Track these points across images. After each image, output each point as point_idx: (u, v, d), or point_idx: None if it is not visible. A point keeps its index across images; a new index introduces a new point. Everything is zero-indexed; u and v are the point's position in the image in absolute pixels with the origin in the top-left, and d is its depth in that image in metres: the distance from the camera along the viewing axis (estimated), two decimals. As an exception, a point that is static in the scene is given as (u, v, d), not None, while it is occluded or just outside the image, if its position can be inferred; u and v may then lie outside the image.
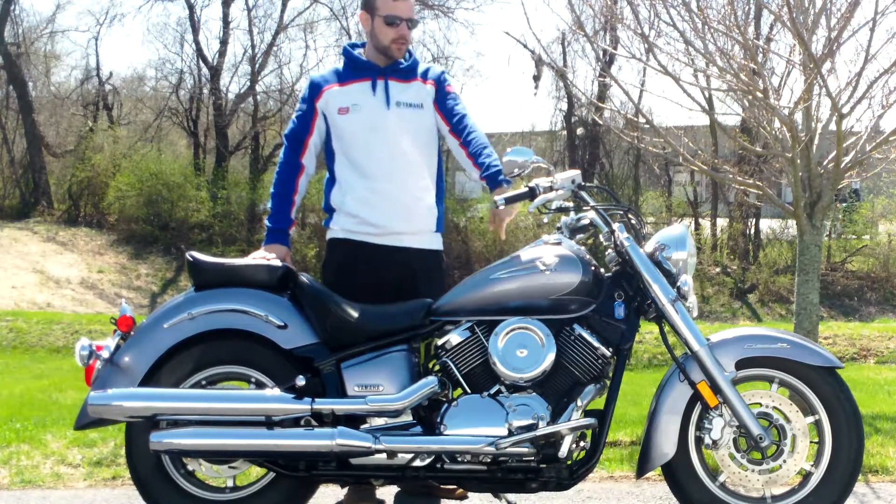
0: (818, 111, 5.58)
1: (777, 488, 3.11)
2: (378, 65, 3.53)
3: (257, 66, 21.30)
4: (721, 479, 3.09)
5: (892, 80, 5.16)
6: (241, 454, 3.09)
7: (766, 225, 19.33)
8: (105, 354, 3.11)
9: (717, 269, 18.15)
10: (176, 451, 3.06)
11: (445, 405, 3.06)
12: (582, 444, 3.07)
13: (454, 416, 3.03)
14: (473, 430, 3.01)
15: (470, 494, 3.55)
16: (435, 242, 3.62)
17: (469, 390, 3.07)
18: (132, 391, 3.05)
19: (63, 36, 31.08)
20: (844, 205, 18.75)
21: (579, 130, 20.06)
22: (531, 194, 3.17)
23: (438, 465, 3.05)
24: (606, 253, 3.19)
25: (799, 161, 5.30)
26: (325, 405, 3.04)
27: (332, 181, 3.59)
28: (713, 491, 3.06)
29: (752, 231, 19.29)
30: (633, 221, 3.19)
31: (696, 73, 6.26)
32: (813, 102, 5.46)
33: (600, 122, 13.95)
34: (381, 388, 3.09)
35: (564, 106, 20.48)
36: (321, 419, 3.05)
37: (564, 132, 20.70)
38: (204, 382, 3.17)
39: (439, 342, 3.13)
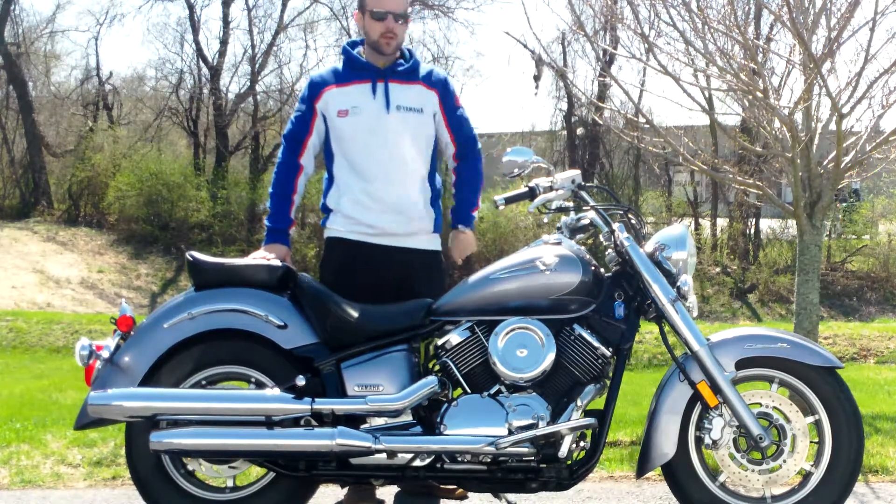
0: (818, 111, 5.58)
1: (777, 488, 3.11)
2: (377, 65, 3.53)
3: (257, 66, 21.27)
4: (721, 479, 3.09)
5: (892, 80, 5.16)
6: (241, 454, 3.09)
7: (766, 225, 19.30)
8: (105, 354, 3.11)
9: (717, 269, 18.13)
10: (176, 451, 3.06)
11: (445, 405, 3.06)
12: (582, 444, 3.08)
13: (454, 416, 3.03)
14: (473, 429, 3.01)
15: (470, 494, 3.55)
16: (433, 243, 3.62)
17: (469, 390, 3.08)
18: (132, 391, 3.05)
19: (63, 36, 31.06)
20: (844, 205, 18.73)
21: (579, 130, 20.03)
22: (531, 194, 3.18)
23: (438, 465, 3.05)
24: (606, 253, 3.20)
25: (799, 161, 5.29)
26: (325, 405, 3.04)
27: (329, 181, 3.60)
28: (713, 491, 3.06)
29: (752, 231, 19.26)
30: (633, 221, 3.20)
31: (696, 73, 6.25)
32: (813, 102, 5.45)
33: (600, 122, 13.93)
34: (381, 388, 3.09)
35: (564, 106, 20.45)
36: (321, 419, 3.05)
37: (564, 132, 20.67)
38: (204, 382, 3.17)
39: (439, 342, 3.13)
